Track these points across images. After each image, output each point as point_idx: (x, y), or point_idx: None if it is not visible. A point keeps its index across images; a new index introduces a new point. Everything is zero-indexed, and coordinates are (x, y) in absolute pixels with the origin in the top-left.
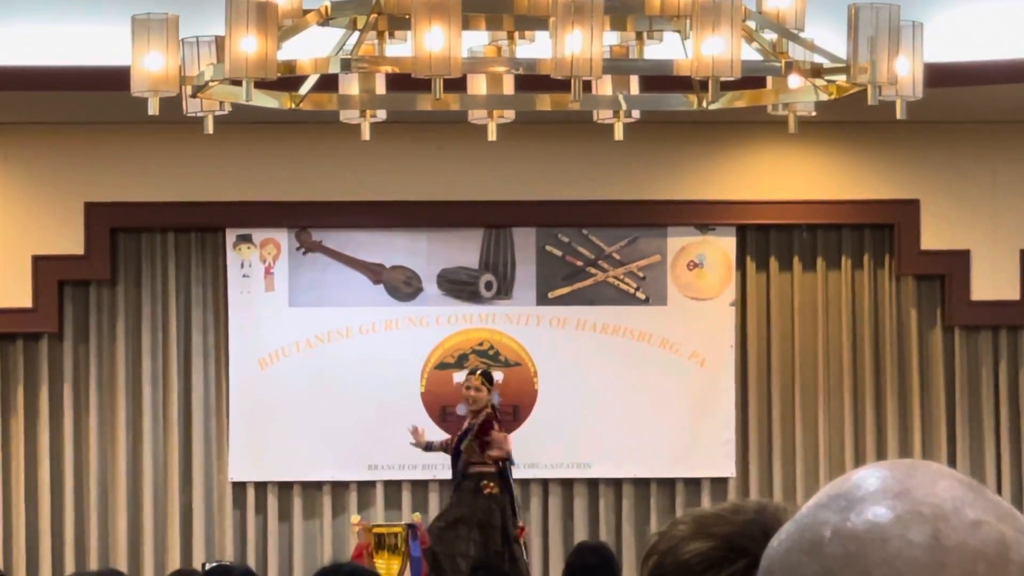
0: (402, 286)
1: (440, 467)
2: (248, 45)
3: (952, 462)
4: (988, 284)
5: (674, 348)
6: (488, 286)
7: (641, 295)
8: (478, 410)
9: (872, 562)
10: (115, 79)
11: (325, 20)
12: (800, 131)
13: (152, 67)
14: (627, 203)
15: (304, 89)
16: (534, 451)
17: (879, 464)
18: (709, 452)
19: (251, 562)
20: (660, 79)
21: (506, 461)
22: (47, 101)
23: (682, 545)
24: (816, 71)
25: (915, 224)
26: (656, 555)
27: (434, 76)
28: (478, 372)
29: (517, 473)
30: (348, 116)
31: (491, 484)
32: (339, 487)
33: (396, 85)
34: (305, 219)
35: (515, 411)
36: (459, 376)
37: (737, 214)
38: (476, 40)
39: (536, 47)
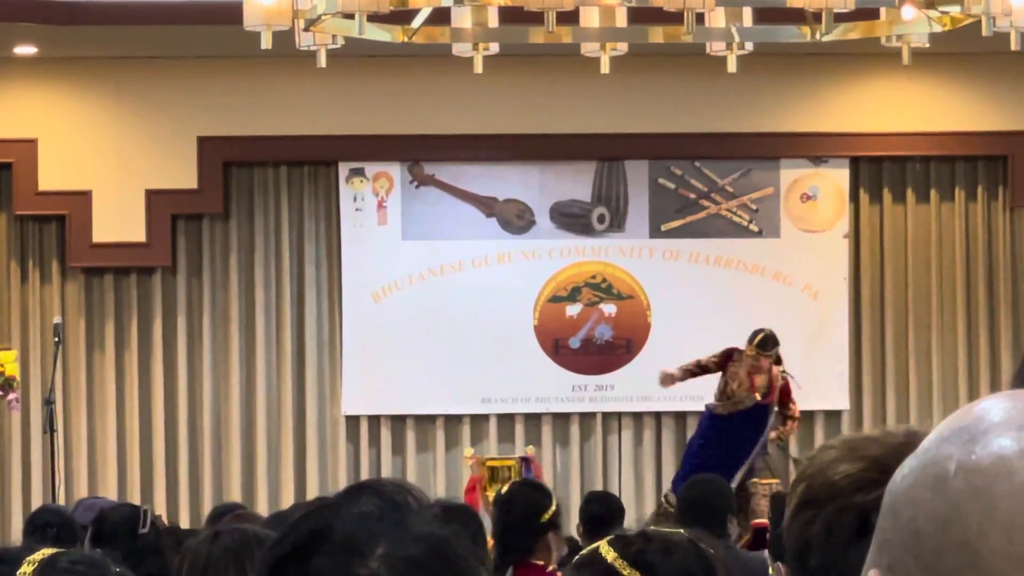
0: (515, 219)
1: (552, 400)
2: None
3: None
4: None
5: (787, 280)
6: (601, 219)
7: (754, 227)
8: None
9: (998, 495)
10: (228, 13)
11: None
12: (913, 63)
13: (265, 1)
14: (740, 135)
15: (417, 22)
16: (648, 384)
17: (1001, 395)
18: (822, 384)
19: None
20: (773, 11)
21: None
22: (160, 35)
23: (832, 467)
24: (930, 2)
25: None
26: (805, 480)
27: (547, 9)
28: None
29: (631, 406)
30: (461, 49)
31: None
32: (452, 420)
33: (509, 18)
34: (418, 152)
35: (628, 344)
36: (572, 309)
37: (850, 146)
38: None
39: None
